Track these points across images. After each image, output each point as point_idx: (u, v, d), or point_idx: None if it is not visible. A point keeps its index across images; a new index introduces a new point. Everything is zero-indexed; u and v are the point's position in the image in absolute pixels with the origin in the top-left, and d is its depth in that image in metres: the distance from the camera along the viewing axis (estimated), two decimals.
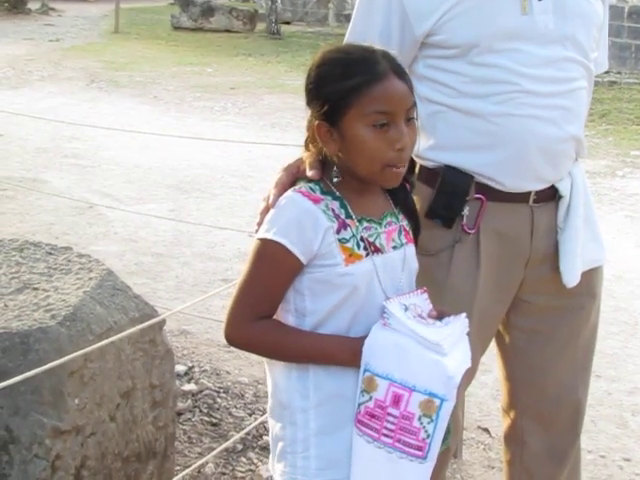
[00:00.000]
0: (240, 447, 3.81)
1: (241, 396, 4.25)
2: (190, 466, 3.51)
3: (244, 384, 4.36)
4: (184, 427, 3.93)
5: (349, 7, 20.29)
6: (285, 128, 10.61)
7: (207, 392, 4.23)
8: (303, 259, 1.96)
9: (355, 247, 1.99)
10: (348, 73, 1.95)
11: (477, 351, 2.61)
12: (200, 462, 3.54)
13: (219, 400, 4.20)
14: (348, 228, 1.99)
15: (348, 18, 2.67)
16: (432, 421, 1.90)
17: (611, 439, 4.13)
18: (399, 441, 1.92)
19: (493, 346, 2.76)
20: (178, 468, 3.52)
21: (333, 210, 1.99)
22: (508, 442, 2.82)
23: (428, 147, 2.51)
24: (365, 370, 1.94)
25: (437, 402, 1.89)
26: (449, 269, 2.50)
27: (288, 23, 21.61)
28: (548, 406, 2.68)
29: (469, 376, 2.67)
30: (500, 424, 2.96)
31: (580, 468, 2.85)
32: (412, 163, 2.61)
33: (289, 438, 2.05)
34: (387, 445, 1.93)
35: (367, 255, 2.00)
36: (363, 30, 2.52)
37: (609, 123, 11.20)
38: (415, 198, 2.53)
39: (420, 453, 1.92)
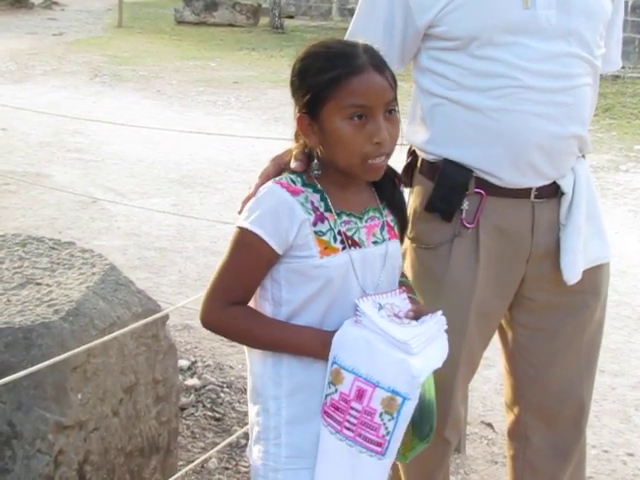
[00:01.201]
0: (243, 442, 3.81)
1: (244, 391, 4.24)
2: (193, 461, 3.52)
3: (247, 379, 4.35)
4: (187, 422, 3.94)
5: (352, 1, 20.26)
6: (288, 122, 10.38)
7: (210, 387, 4.24)
8: (278, 249, 1.99)
9: (331, 240, 2.01)
10: (327, 66, 1.97)
11: (477, 346, 2.61)
12: (203, 457, 3.54)
13: (222, 395, 4.20)
14: (326, 221, 2.01)
15: (351, 12, 2.67)
16: (393, 419, 1.92)
17: (614, 434, 4.13)
18: (360, 435, 1.94)
19: (496, 340, 2.76)
20: (181, 463, 3.52)
21: (312, 202, 2.01)
22: (511, 438, 2.82)
23: (428, 140, 2.52)
24: (333, 362, 1.97)
25: (399, 400, 1.91)
26: (448, 263, 2.50)
27: (291, 17, 21.58)
28: (551, 403, 2.68)
29: (470, 371, 2.68)
30: (504, 419, 2.96)
31: (585, 465, 2.84)
32: (414, 158, 2.62)
33: (262, 425, 2.09)
34: (348, 438, 1.95)
35: (344, 249, 2.02)
36: (366, 22, 2.53)
37: (612, 117, 11.17)
38: (416, 190, 2.55)
39: (379, 449, 1.94)
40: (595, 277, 2.60)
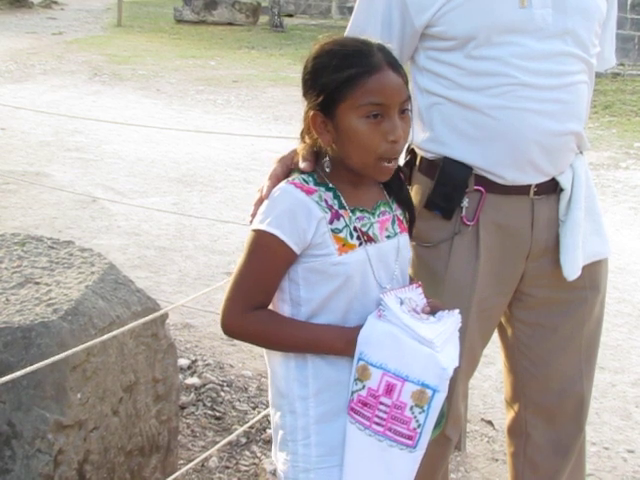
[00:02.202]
0: (244, 441, 3.81)
1: (244, 389, 4.25)
2: (193, 460, 3.51)
3: (247, 377, 4.36)
4: (187, 421, 3.94)
5: None
6: (288, 121, 10.59)
7: (210, 386, 4.23)
8: (296, 249, 1.98)
9: (348, 237, 2.02)
10: (343, 65, 1.97)
11: (478, 343, 2.61)
12: (204, 456, 3.54)
13: (222, 394, 4.20)
14: (341, 218, 2.02)
15: (351, 10, 2.67)
16: (423, 411, 1.93)
17: (615, 431, 4.13)
18: (390, 430, 1.95)
19: (496, 337, 2.76)
20: (181, 462, 3.52)
21: (326, 201, 2.01)
22: (512, 435, 2.82)
23: (427, 139, 2.52)
24: (359, 359, 1.97)
25: (429, 393, 1.93)
26: (448, 261, 2.50)
27: (291, 16, 21.58)
28: (552, 399, 2.68)
29: (471, 368, 2.68)
30: (504, 416, 2.96)
31: (585, 461, 2.85)
32: (413, 156, 2.62)
33: (289, 426, 2.08)
34: (378, 433, 1.96)
35: (360, 245, 2.03)
36: (365, 22, 2.53)
37: (612, 115, 11.18)
38: (415, 188, 2.55)
39: (410, 442, 1.95)
40: (594, 273, 2.61)
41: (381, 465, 1.99)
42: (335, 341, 2.00)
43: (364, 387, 1.96)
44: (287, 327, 2.03)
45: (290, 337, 2.03)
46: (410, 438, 1.95)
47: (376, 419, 1.96)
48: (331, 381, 2.04)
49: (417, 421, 1.93)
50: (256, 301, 2.02)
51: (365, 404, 1.97)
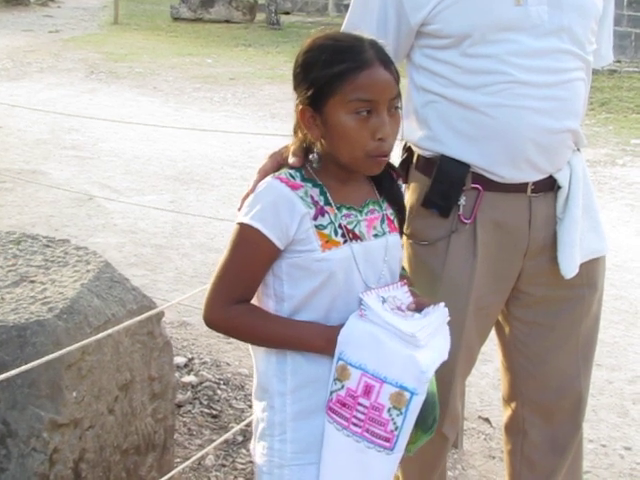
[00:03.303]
0: (240, 439, 3.80)
1: (241, 387, 4.24)
2: (190, 458, 3.51)
3: (244, 375, 4.35)
4: (184, 419, 3.93)
5: None
6: (285, 119, 10.57)
7: (207, 384, 4.23)
8: (279, 244, 1.98)
9: (332, 234, 2.01)
10: (334, 60, 1.96)
11: (475, 341, 2.61)
12: (200, 454, 3.53)
13: (219, 392, 4.19)
14: (326, 215, 2.01)
15: (347, 8, 2.67)
16: (401, 414, 1.92)
17: (612, 428, 4.13)
18: (367, 431, 1.94)
19: (494, 335, 2.75)
20: (178, 460, 3.52)
21: (312, 197, 2.01)
22: (509, 432, 2.82)
23: (424, 136, 2.51)
24: (339, 359, 1.96)
25: (407, 395, 1.91)
26: (445, 259, 2.50)
27: (288, 13, 21.57)
28: (549, 397, 2.67)
29: (468, 366, 2.67)
30: (501, 414, 2.95)
31: (582, 458, 2.85)
32: (410, 154, 2.62)
33: (267, 421, 2.08)
34: (355, 434, 1.95)
35: (345, 242, 2.02)
36: (360, 20, 2.52)
37: (609, 112, 11.18)
38: (412, 186, 2.55)
39: (388, 444, 1.94)
40: (592, 270, 2.60)
41: (358, 466, 1.97)
42: (315, 339, 2.00)
43: (343, 387, 1.95)
44: (268, 322, 2.03)
45: (270, 332, 2.02)
46: (388, 440, 1.94)
47: (354, 420, 1.95)
48: (310, 378, 2.03)
49: (395, 423, 1.92)
50: (238, 294, 2.02)
51: (344, 404, 1.96)
